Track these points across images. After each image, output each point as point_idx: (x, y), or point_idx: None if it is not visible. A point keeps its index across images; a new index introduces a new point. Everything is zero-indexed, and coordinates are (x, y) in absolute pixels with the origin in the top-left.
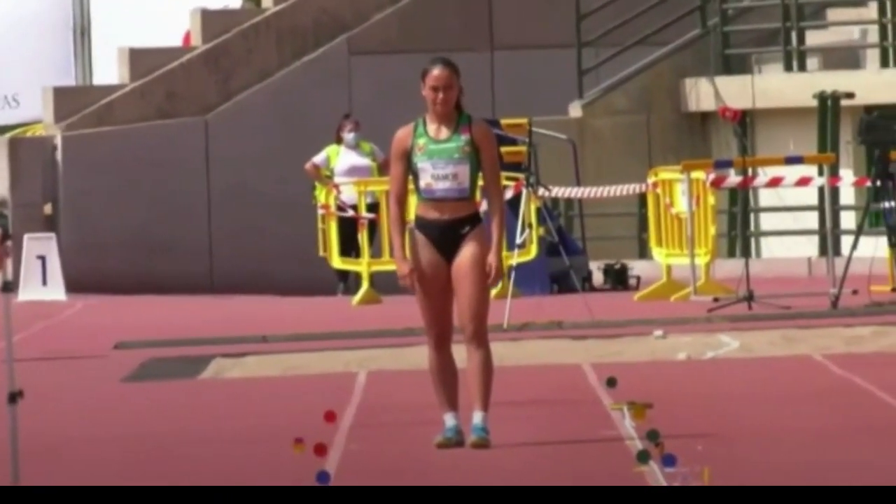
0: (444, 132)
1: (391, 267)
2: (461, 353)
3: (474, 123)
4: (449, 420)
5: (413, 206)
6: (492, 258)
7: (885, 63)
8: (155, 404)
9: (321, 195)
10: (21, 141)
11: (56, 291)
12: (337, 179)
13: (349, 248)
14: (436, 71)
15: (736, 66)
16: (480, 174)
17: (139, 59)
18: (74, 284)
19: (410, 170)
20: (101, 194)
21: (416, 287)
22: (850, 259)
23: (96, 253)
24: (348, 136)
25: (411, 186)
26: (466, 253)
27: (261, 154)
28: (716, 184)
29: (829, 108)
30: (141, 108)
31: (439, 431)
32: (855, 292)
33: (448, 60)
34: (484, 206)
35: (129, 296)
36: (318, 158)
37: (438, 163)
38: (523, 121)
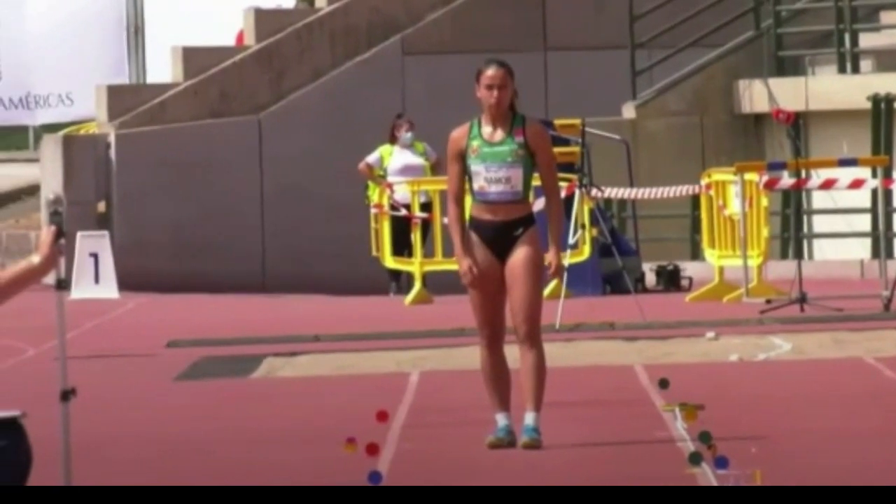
0: (499, 134)
1: (444, 267)
2: (514, 354)
3: (528, 125)
4: (501, 420)
5: (468, 205)
6: (552, 256)
7: None
8: (206, 403)
9: (374, 195)
10: (75, 139)
11: (109, 289)
12: (390, 179)
13: (402, 247)
14: (490, 71)
15: (789, 67)
16: (535, 175)
17: (192, 58)
18: (127, 283)
19: (465, 171)
20: (154, 193)
21: (470, 287)
22: None
23: (149, 251)
24: (405, 135)
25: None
26: (520, 254)
27: (313, 154)
28: (769, 185)
29: (882, 110)
30: (194, 106)
31: (491, 431)
32: None
33: (503, 61)
34: (538, 206)
35: (181, 294)
36: (371, 158)
37: (492, 166)
38: (576, 121)
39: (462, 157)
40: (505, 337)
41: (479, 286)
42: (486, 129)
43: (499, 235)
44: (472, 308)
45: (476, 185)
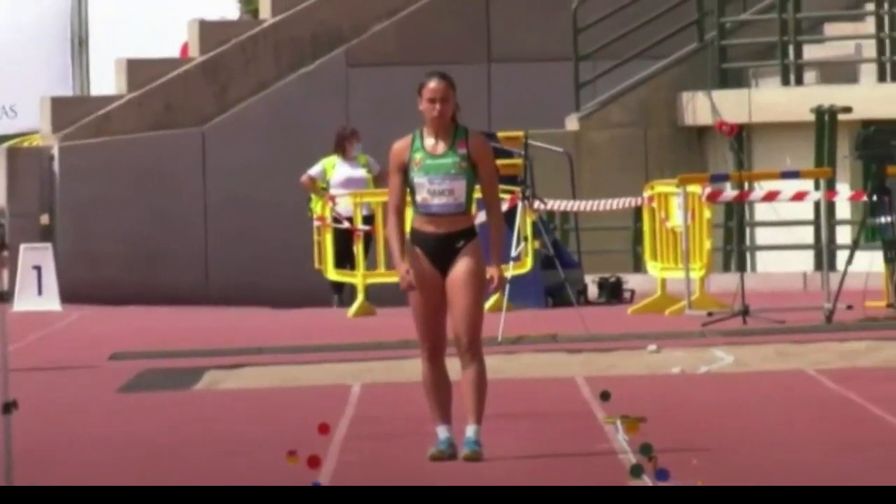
0: (441, 147)
1: (386, 279)
2: (455, 366)
3: (471, 137)
4: (442, 432)
5: (409, 218)
6: (493, 269)
7: (882, 77)
8: (149, 414)
9: (317, 207)
10: (18, 151)
11: (51, 301)
12: (333, 191)
13: (344, 259)
14: (432, 83)
15: (733, 80)
16: (477, 187)
17: (137, 70)
18: (70, 295)
19: (407, 183)
20: (98, 205)
21: (411, 299)
22: (845, 274)
23: (92, 263)
24: (354, 147)
25: (409, 197)
26: (461, 266)
27: (257, 165)
28: (712, 198)
29: (826, 122)
30: (138, 118)
31: (433, 444)
32: (850, 307)
33: (444, 73)
34: (479, 219)
35: (125, 306)
36: (313, 171)
37: (435, 178)
38: (519, 134)
39: (404, 169)
40: (446, 349)
41: (419, 297)
42: (429, 142)
43: (441, 248)
44: (414, 320)
45: (419, 198)
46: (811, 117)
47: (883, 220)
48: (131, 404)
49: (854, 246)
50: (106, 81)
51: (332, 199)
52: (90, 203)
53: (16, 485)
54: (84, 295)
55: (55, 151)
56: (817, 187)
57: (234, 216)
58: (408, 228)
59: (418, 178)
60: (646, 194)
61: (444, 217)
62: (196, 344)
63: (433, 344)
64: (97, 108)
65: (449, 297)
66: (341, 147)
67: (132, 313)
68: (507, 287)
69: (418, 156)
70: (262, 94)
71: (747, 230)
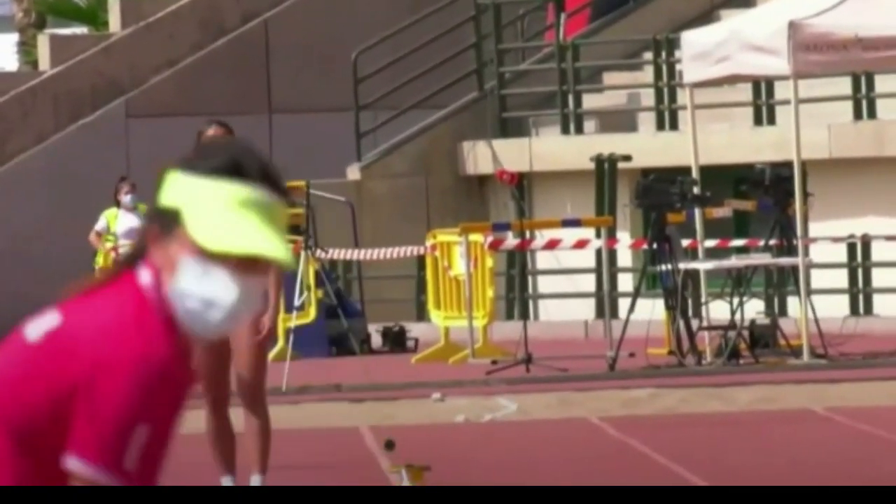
0: None
1: None
2: (239, 416)
3: None
4: (226, 482)
5: None
6: (266, 319)
7: (660, 126)
8: None
9: (100, 260)
10: None
11: None
12: (117, 242)
13: None
14: (211, 132)
15: (513, 129)
16: None
17: None
18: None
19: None
20: None
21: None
22: (627, 321)
23: None
24: (125, 198)
25: None
26: None
27: (37, 219)
28: (493, 246)
29: (606, 170)
30: None
31: None
32: (632, 355)
33: (223, 122)
34: None
35: None
36: (98, 226)
37: None
38: (301, 183)
39: None
40: (230, 400)
41: (203, 350)
42: None
43: None
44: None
45: None
46: (591, 166)
47: (663, 267)
48: None
49: (636, 293)
50: None
51: (115, 250)
52: None
53: None
54: None
55: None
56: (598, 235)
57: (10, 271)
58: None
59: None
60: (428, 243)
61: None
62: None
63: (217, 395)
64: None
65: (233, 348)
66: (115, 197)
67: None
68: (291, 336)
69: None
70: (41, 146)
71: (529, 278)
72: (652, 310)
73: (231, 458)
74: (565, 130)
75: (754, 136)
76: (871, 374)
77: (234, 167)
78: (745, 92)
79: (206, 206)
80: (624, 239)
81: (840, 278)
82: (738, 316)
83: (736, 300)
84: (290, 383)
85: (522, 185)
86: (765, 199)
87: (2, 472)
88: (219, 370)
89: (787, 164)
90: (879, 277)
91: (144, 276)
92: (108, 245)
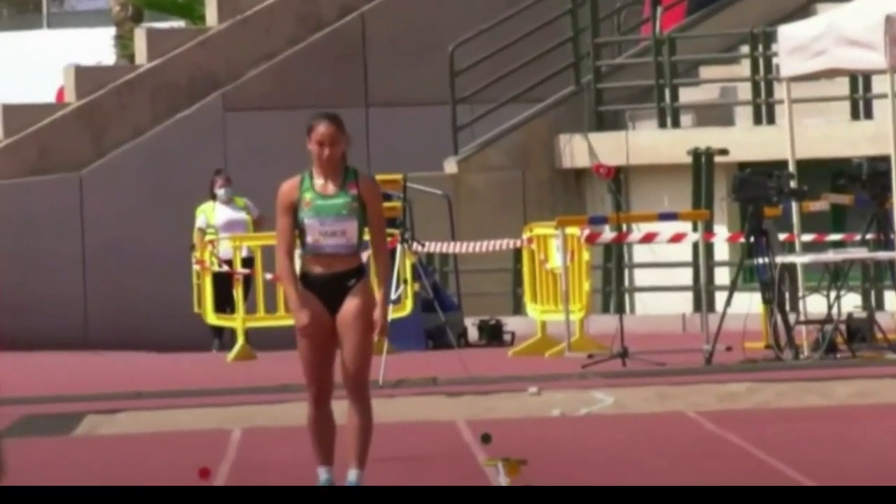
0: (331, 188)
1: (266, 323)
2: (341, 409)
3: (361, 179)
4: (322, 474)
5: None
6: (377, 313)
7: (757, 120)
8: (27, 461)
9: (199, 253)
10: None
11: None
12: (215, 234)
13: (224, 303)
14: (321, 127)
15: (610, 122)
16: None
17: (12, 116)
18: None
19: (296, 224)
20: None
21: (300, 342)
22: (724, 315)
23: None
24: (220, 191)
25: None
26: (351, 305)
27: (135, 210)
28: (590, 240)
29: (702, 164)
30: (14, 164)
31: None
32: (729, 349)
33: (333, 115)
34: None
35: (2, 353)
36: (199, 223)
37: (326, 219)
38: (398, 176)
39: (293, 210)
40: (333, 393)
41: (309, 341)
42: (319, 182)
43: (330, 287)
44: (302, 363)
45: (310, 239)
46: (688, 159)
47: (760, 261)
48: (10, 450)
49: (732, 287)
50: None
51: (212, 242)
52: None
53: None
54: None
55: None
56: (695, 229)
57: (111, 261)
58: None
59: (308, 219)
60: (525, 236)
61: (336, 257)
62: (75, 389)
63: (320, 389)
64: None
65: (340, 335)
66: (210, 190)
67: (9, 360)
68: (388, 330)
69: (308, 196)
70: (138, 140)
71: (626, 272)
72: (749, 303)
73: (329, 450)
74: (662, 124)
75: (851, 130)
76: None
77: None
78: (842, 86)
79: None
80: (721, 232)
81: None
82: (834, 310)
83: (833, 294)
84: (387, 377)
85: (619, 178)
86: (862, 193)
87: None
88: (323, 362)
89: (884, 159)
90: None
91: None
92: (208, 238)
